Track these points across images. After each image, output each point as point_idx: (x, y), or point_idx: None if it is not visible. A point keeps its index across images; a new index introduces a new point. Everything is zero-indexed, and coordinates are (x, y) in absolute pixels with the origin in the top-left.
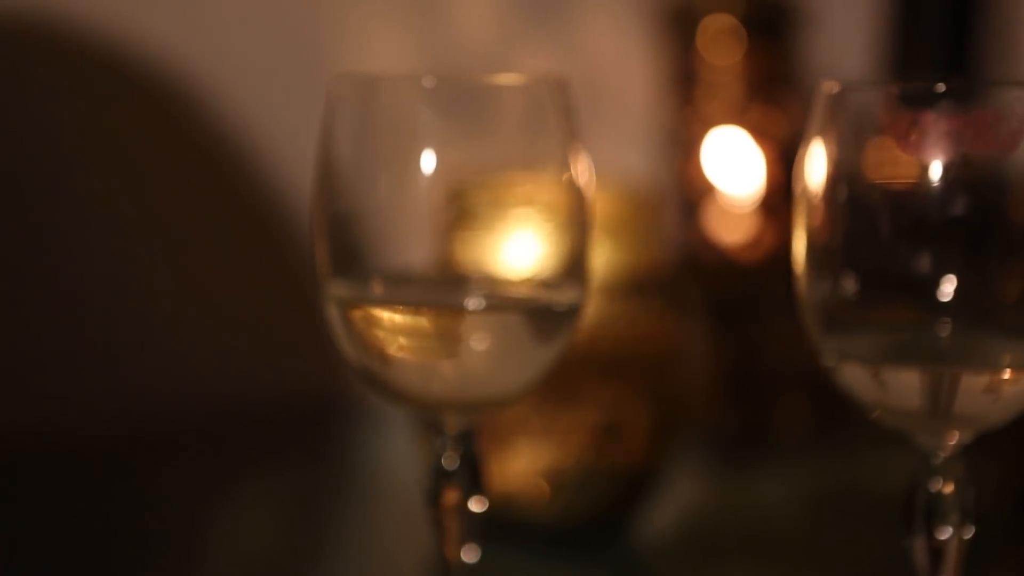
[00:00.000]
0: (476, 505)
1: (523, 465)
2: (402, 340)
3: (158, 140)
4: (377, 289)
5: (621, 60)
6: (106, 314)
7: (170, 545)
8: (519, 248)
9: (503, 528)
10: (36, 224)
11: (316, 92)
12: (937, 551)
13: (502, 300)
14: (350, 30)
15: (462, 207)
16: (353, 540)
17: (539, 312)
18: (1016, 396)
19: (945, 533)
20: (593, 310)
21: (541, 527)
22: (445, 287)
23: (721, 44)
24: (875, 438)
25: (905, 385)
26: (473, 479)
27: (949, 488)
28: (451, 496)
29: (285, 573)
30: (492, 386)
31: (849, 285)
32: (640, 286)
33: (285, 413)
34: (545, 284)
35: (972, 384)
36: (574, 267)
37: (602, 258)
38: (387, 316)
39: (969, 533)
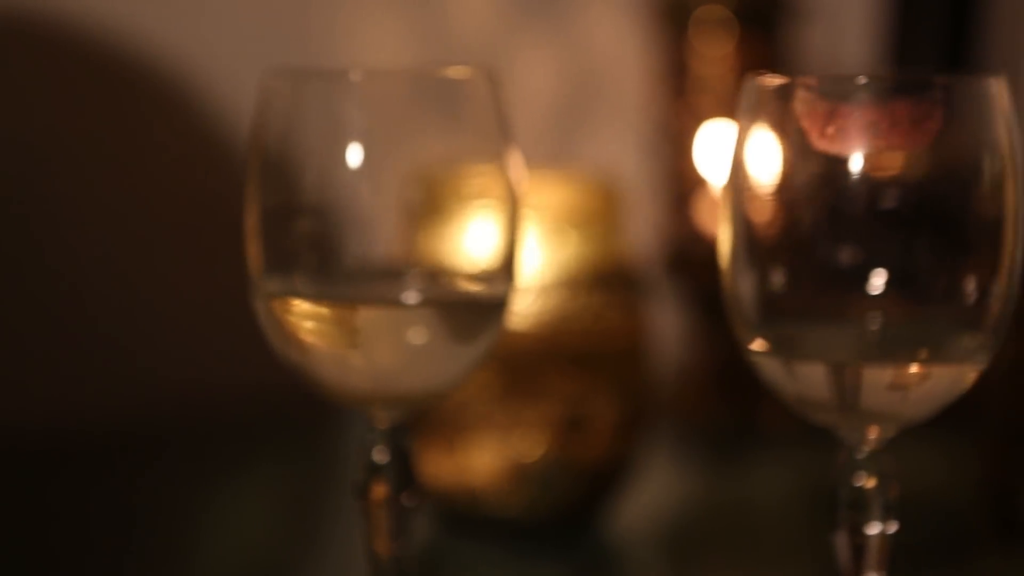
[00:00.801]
0: (408, 499)
1: (487, 459)
2: (316, 333)
3: (145, 135)
4: (305, 283)
5: (616, 52)
6: (93, 308)
7: (160, 541)
8: (454, 242)
9: (468, 522)
10: (21, 219)
11: None
12: (860, 547)
13: (426, 294)
14: (343, 24)
15: (400, 200)
16: (344, 535)
17: (461, 306)
18: (928, 392)
19: (867, 528)
20: (558, 303)
21: (507, 521)
22: (377, 281)
23: (713, 36)
24: None
25: (813, 378)
26: (404, 473)
27: (872, 483)
28: (379, 490)
29: (276, 568)
30: (411, 381)
31: (776, 278)
32: (607, 279)
33: (277, 407)
34: (477, 278)
35: (875, 379)
36: (504, 262)
37: (568, 251)
38: (303, 309)
39: (892, 528)
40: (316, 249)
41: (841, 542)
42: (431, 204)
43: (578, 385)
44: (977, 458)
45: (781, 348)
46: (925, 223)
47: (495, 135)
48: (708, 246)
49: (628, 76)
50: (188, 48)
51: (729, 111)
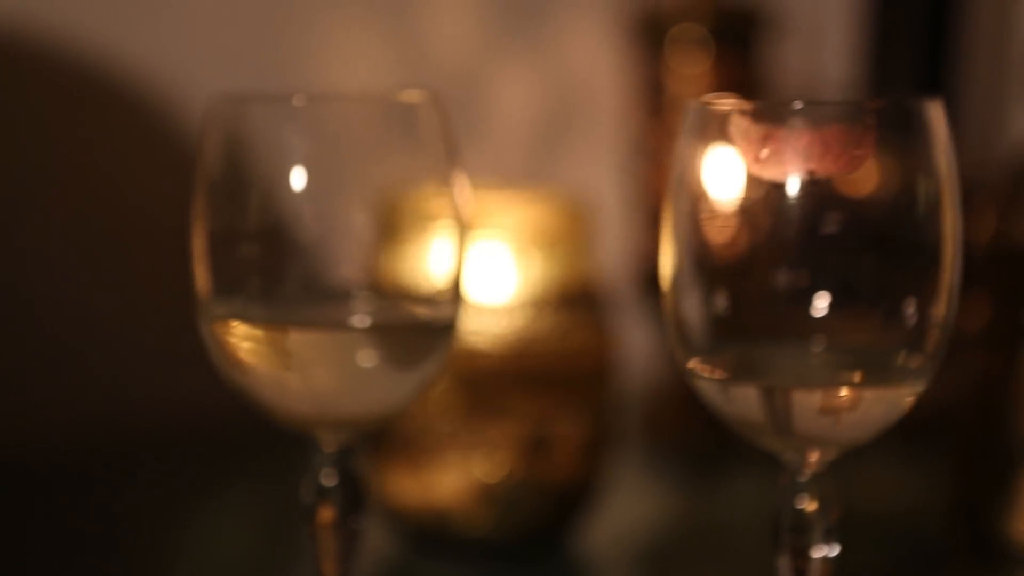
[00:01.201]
0: (356, 522)
1: (452, 479)
2: (253, 356)
3: (117, 150)
4: (252, 306)
5: (594, 71)
6: (71, 323)
7: (139, 558)
8: (402, 265)
9: (436, 542)
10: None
11: None
12: (802, 571)
13: (373, 318)
14: (321, 44)
15: (346, 224)
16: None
17: (403, 330)
18: (863, 416)
19: (808, 552)
20: (524, 323)
21: (474, 541)
22: (326, 304)
23: (689, 54)
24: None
25: (746, 401)
26: (353, 497)
27: (813, 507)
28: (326, 514)
29: None
30: (351, 404)
31: (717, 300)
32: (574, 299)
33: (257, 424)
34: (424, 301)
35: (805, 403)
36: (450, 285)
37: (534, 271)
38: (241, 331)
39: (834, 552)
40: (263, 272)
41: (783, 565)
42: (379, 228)
43: (543, 405)
44: (951, 480)
45: (717, 369)
46: (863, 247)
47: (441, 159)
48: None
49: (605, 95)
50: (164, 66)
51: None
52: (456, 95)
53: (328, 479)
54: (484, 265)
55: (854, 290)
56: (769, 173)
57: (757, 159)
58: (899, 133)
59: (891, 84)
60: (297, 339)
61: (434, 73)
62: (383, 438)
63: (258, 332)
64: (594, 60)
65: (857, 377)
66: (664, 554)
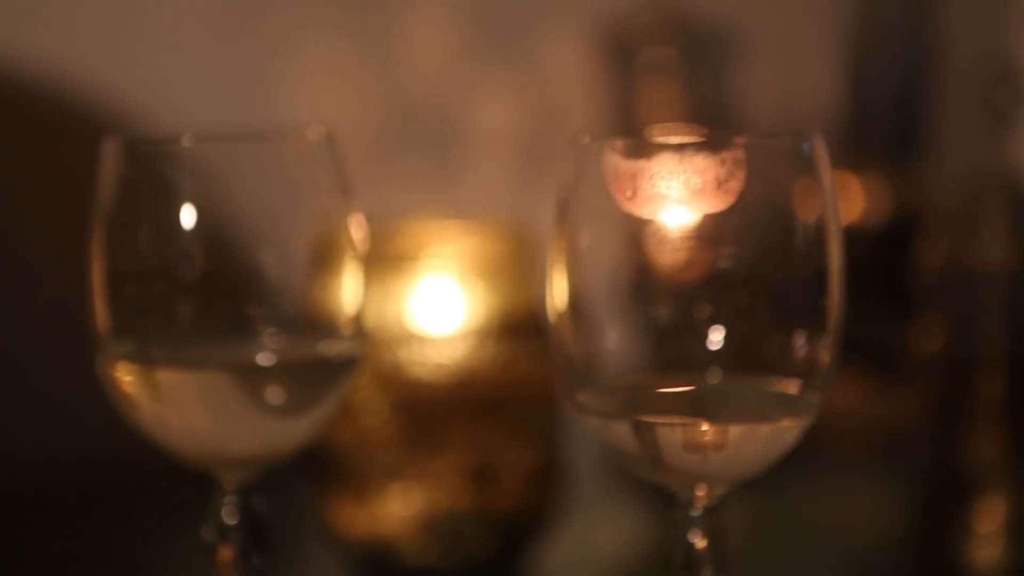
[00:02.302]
0: (258, 560)
1: (397, 509)
2: (136, 396)
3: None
4: (144, 345)
5: (571, 96)
6: (53, 351)
7: None
8: (304, 302)
9: (383, 572)
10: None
11: None
12: None
13: (274, 357)
14: (299, 73)
15: (243, 262)
16: None
17: (291, 368)
18: (737, 451)
19: None
20: (466, 353)
21: (422, 571)
22: (227, 343)
23: (659, 77)
24: (807, 473)
25: (621, 436)
26: (253, 534)
27: (703, 543)
28: (226, 551)
29: None
30: (237, 444)
31: (605, 335)
32: (517, 328)
33: None
34: (325, 337)
35: (670, 437)
36: (350, 321)
37: (476, 300)
38: (126, 369)
39: None
40: (159, 312)
41: None
42: (281, 265)
43: (488, 434)
44: (908, 500)
45: (599, 404)
46: (748, 281)
47: (337, 195)
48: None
49: (581, 118)
50: (144, 104)
51: None
52: (430, 118)
53: (229, 517)
54: (427, 295)
55: (741, 324)
56: (640, 209)
57: (627, 195)
58: (779, 167)
59: (867, 104)
60: (170, 379)
61: (413, 104)
62: (328, 468)
63: (138, 371)
64: (570, 85)
65: (733, 411)
66: None
